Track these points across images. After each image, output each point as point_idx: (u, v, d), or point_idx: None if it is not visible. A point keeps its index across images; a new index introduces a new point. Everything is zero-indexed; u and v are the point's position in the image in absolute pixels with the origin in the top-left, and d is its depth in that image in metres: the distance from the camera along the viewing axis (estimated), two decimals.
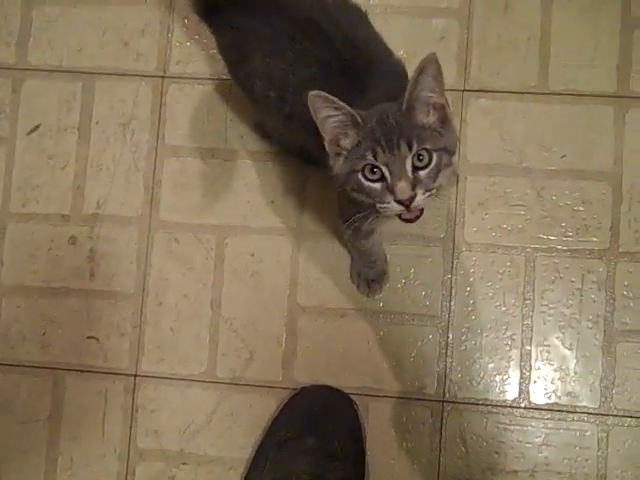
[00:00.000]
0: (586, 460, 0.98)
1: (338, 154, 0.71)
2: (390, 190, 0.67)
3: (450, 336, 1.00)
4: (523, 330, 1.00)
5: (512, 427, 0.99)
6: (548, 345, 0.99)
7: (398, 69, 0.79)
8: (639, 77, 1.01)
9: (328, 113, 0.68)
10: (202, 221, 1.04)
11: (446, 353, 1.00)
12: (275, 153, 1.04)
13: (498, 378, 1.00)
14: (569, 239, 1.00)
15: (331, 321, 1.01)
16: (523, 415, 0.99)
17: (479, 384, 1.00)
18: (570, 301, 1.00)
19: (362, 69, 0.77)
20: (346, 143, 0.69)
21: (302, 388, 0.99)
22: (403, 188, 0.66)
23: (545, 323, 1.00)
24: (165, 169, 1.05)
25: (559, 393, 0.99)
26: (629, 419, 0.98)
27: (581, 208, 1.00)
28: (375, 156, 0.67)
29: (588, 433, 0.98)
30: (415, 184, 0.67)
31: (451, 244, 1.01)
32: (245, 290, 1.03)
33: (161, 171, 1.05)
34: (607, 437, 0.98)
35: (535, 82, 1.02)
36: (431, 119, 0.69)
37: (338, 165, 0.71)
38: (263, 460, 0.97)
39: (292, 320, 1.02)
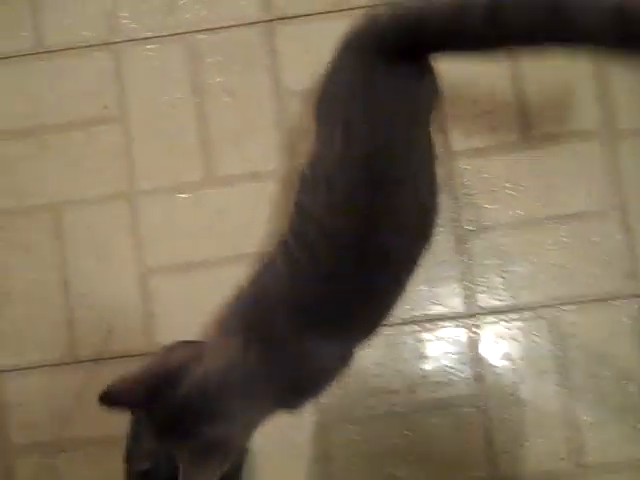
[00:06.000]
0: (462, 364, 0.98)
1: None
2: None
3: None
4: None
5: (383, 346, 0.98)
6: None
7: None
8: None
9: None
10: (33, 202, 1.00)
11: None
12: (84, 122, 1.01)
13: None
14: None
15: (184, 277, 0.99)
16: (392, 333, 0.98)
17: None
18: None
19: None
20: None
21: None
22: None
23: None
24: None
25: (425, 304, 0.98)
26: (495, 315, 0.98)
27: None
28: None
29: (459, 337, 0.98)
30: None
31: (288, 170, 1.00)
32: (90, 263, 1.00)
33: None
34: (478, 337, 0.98)
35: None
36: None
37: None
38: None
39: (144, 284, 0.99)
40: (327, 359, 0.72)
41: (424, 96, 0.73)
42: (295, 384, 0.72)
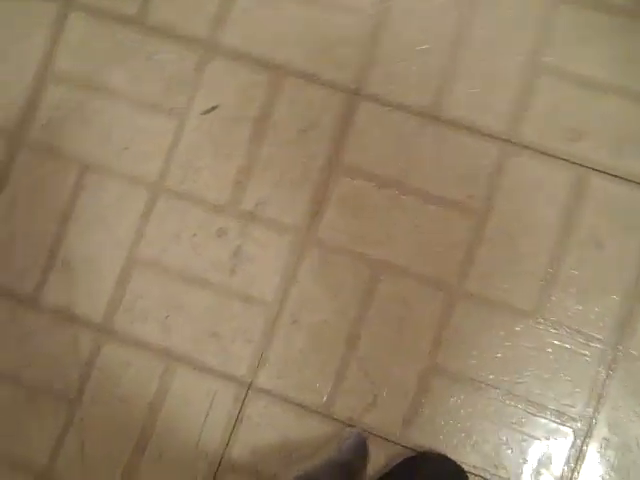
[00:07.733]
0: None
1: None
2: None
3: (587, 443, 0.94)
4: None
5: None
6: None
7: None
8: None
9: None
10: (361, 250, 0.99)
11: (577, 460, 0.94)
12: (444, 200, 0.98)
13: None
14: None
15: (465, 390, 0.95)
16: None
17: None
18: None
19: None
20: None
21: (421, 453, 0.93)
22: None
23: None
24: (336, 187, 1.00)
25: None
26: None
27: None
28: None
29: None
30: None
31: (613, 347, 0.95)
32: (387, 333, 0.97)
33: (332, 188, 1.00)
34: None
35: None
36: None
37: None
38: None
39: (426, 378, 0.96)
40: None
41: None
42: None
